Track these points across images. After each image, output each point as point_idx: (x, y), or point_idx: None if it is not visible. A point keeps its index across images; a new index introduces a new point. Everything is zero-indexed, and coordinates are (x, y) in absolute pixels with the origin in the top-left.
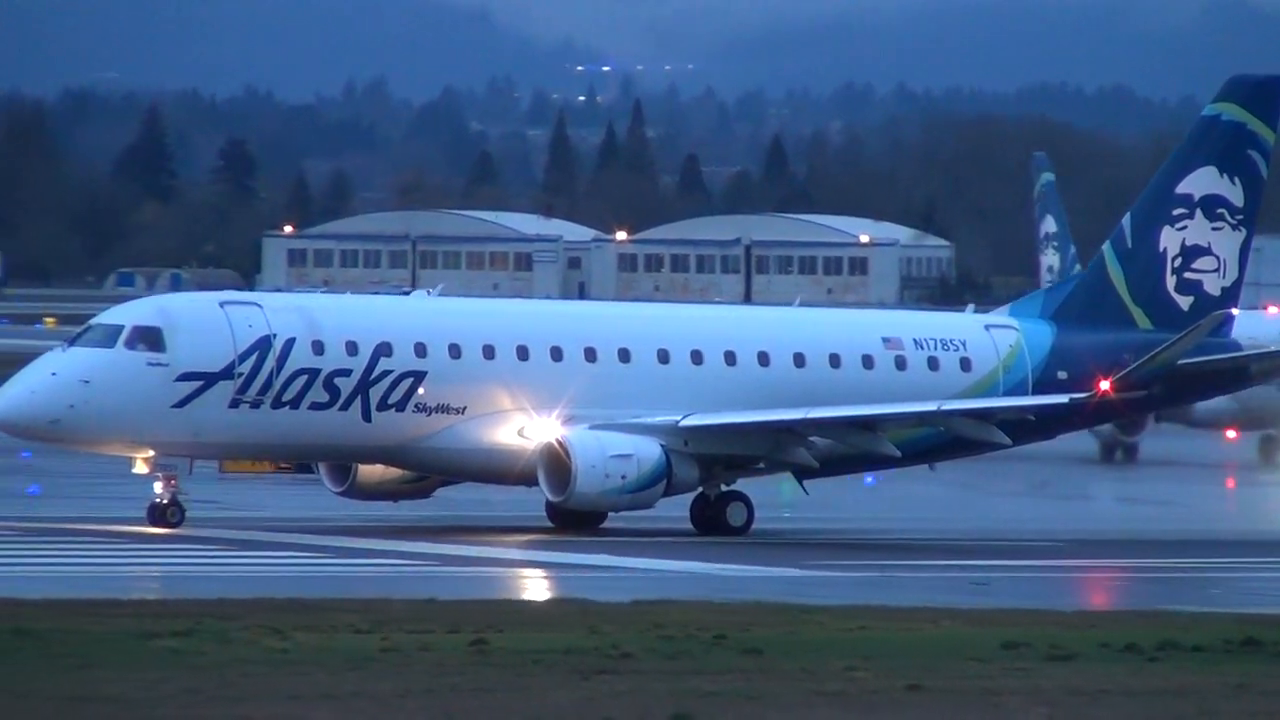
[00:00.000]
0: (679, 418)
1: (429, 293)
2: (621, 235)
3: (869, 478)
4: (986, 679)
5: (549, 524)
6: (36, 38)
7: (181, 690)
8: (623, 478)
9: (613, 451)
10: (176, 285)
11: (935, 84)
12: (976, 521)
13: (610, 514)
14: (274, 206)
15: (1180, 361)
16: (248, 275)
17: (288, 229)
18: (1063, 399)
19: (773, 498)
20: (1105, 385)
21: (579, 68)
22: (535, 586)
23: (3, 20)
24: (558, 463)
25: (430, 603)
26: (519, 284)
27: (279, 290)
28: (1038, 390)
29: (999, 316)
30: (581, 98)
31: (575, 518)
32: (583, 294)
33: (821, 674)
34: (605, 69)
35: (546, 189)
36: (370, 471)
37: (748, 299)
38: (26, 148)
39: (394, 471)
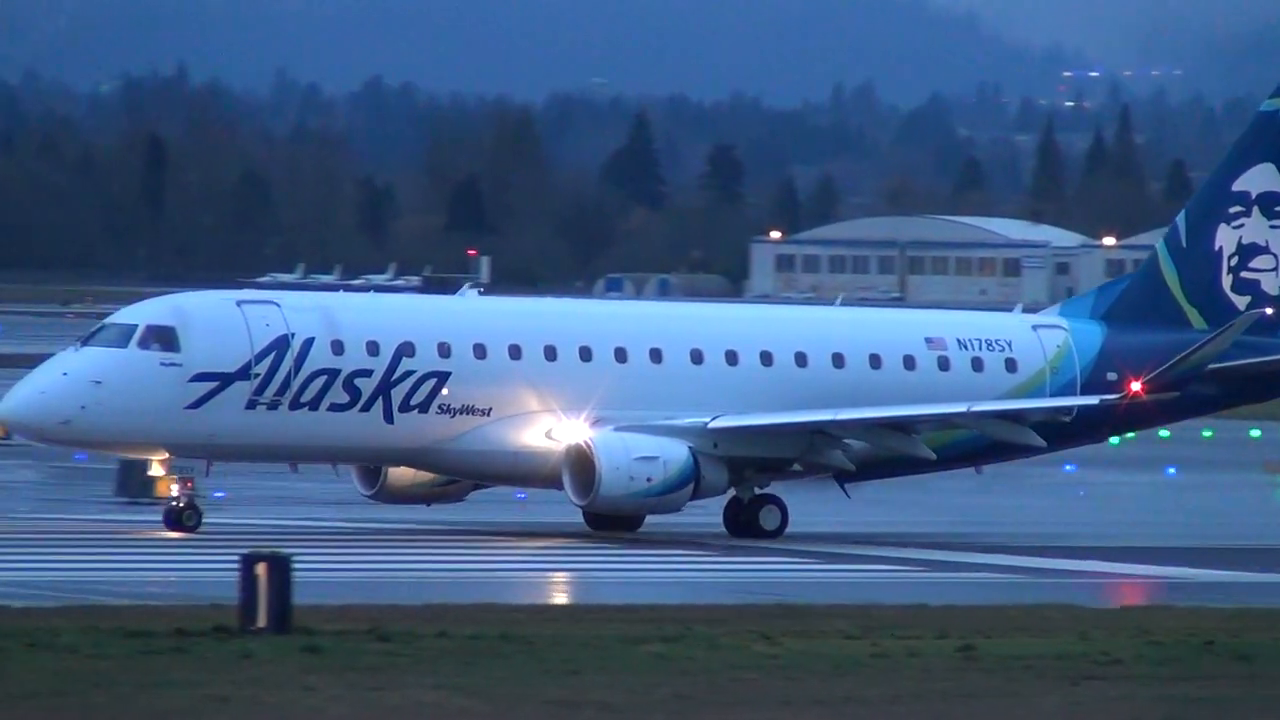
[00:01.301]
0: (707, 419)
1: (479, 292)
2: (1109, 240)
3: None
4: None
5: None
6: (526, 44)
7: (671, 696)
8: (648, 480)
9: (638, 454)
10: (664, 290)
11: None
12: None
13: (646, 517)
14: (761, 212)
15: (1237, 363)
16: (735, 281)
17: (775, 234)
18: (1093, 400)
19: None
20: (1136, 386)
21: (1066, 74)
22: (1024, 592)
23: (485, 28)
24: (583, 465)
25: (919, 608)
26: (1006, 289)
27: (764, 297)
28: (1086, 392)
29: (1047, 316)
30: (1069, 103)
31: (610, 521)
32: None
33: None
34: (1093, 74)
35: (1034, 195)
36: (400, 474)
37: None
38: (515, 154)
39: (424, 474)
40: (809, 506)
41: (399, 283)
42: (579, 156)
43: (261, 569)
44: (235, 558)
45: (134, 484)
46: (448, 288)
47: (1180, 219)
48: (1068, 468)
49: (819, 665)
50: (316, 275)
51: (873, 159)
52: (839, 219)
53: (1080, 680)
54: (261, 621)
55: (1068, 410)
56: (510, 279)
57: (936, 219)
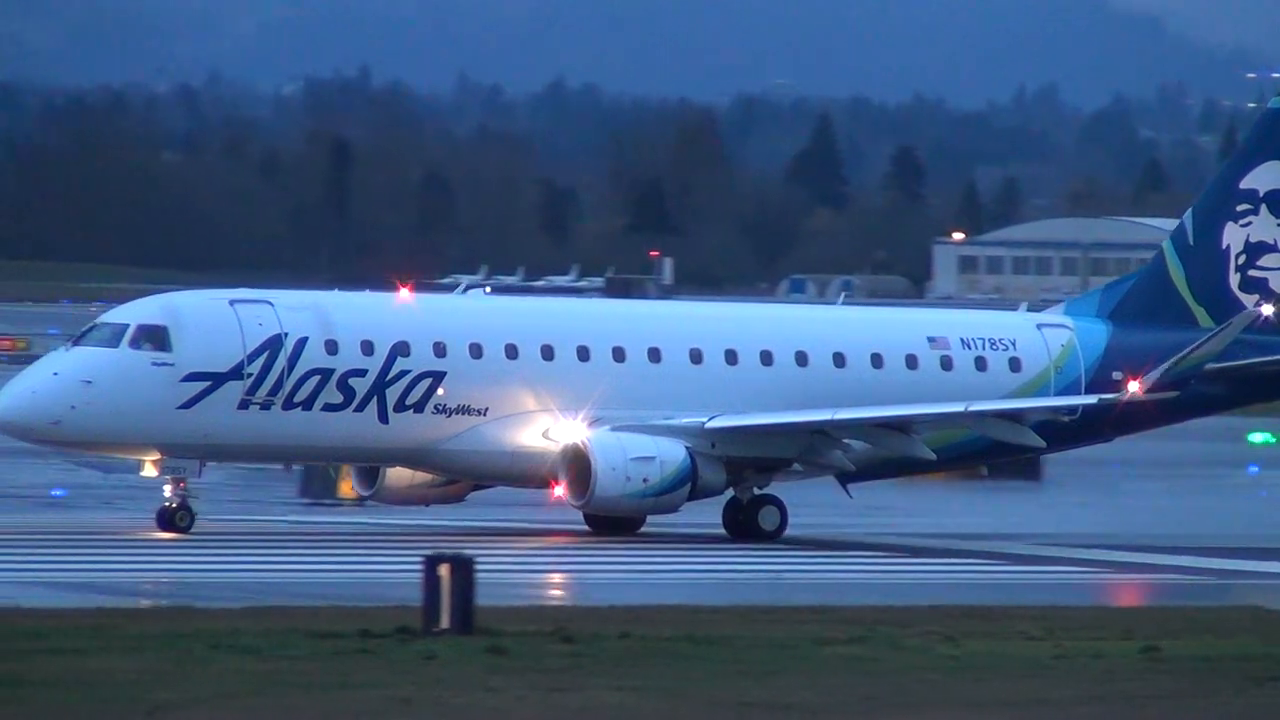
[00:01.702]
0: (705, 419)
1: (486, 291)
2: None
3: None
4: None
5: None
6: (709, 46)
7: (858, 697)
8: (644, 480)
9: (634, 454)
10: (847, 291)
11: None
12: None
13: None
14: (944, 213)
15: (1243, 362)
16: (918, 282)
17: (958, 236)
18: (1091, 399)
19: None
20: (1134, 386)
21: (1250, 75)
22: (1209, 594)
23: (668, 29)
24: (579, 465)
25: (1103, 609)
26: None
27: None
28: (1092, 391)
29: (1052, 315)
30: (1252, 104)
31: (610, 522)
32: None
33: None
34: (1276, 75)
35: None
36: (398, 475)
37: None
38: (697, 155)
39: (422, 475)
40: (992, 505)
41: (581, 284)
42: (762, 158)
43: (445, 570)
44: (418, 559)
45: (316, 485)
46: (631, 290)
47: (1187, 217)
48: (1252, 469)
49: (1003, 666)
50: (499, 276)
51: (1055, 160)
52: (1021, 220)
53: (1265, 682)
54: (445, 623)
55: (1072, 410)
56: (693, 281)
57: (1119, 220)
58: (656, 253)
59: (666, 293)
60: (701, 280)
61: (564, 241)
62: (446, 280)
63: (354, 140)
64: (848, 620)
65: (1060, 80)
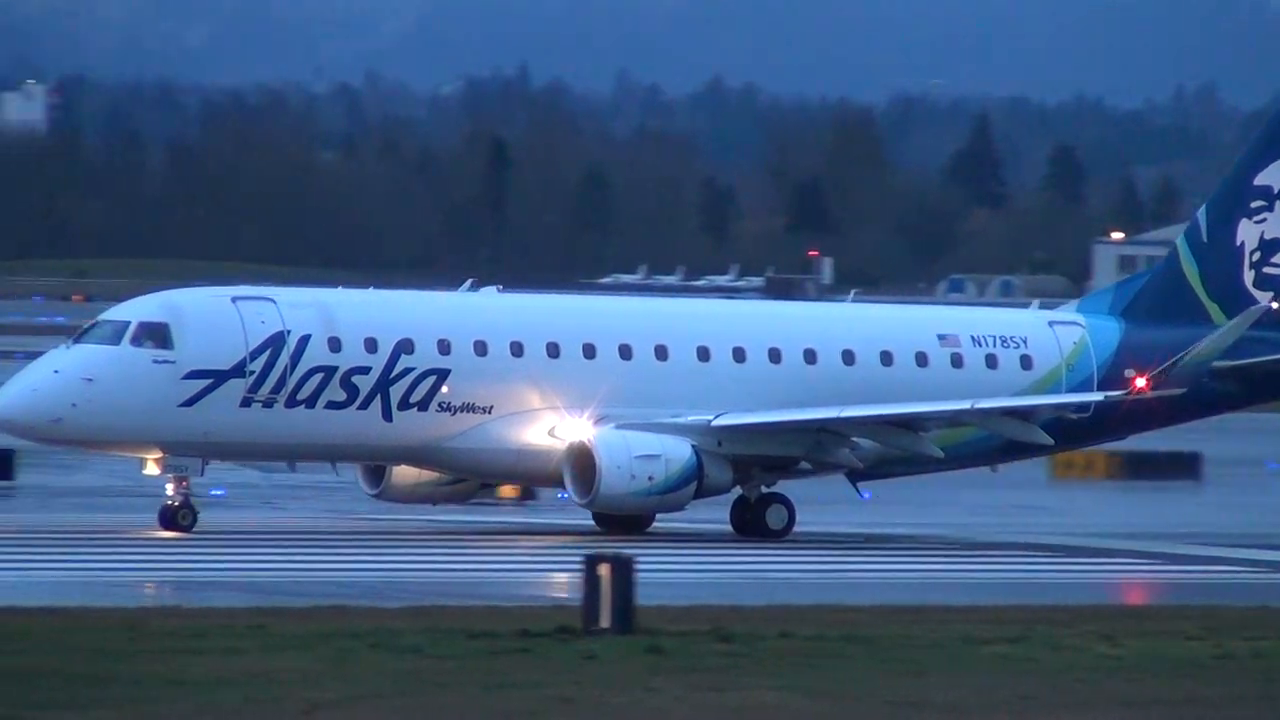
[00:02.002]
0: (711, 417)
1: (498, 289)
2: None
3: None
4: None
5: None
6: (867, 45)
7: (1014, 697)
8: (650, 479)
9: (639, 452)
10: (1007, 291)
11: None
12: None
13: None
14: (1103, 213)
15: (1256, 360)
16: (1077, 281)
17: (1117, 235)
18: (1096, 397)
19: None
20: (1141, 383)
21: None
22: None
23: (826, 28)
24: (584, 463)
25: (1264, 609)
26: None
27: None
28: (1104, 389)
29: (1064, 313)
30: None
31: (619, 521)
32: None
33: None
34: None
35: None
36: (404, 474)
37: None
38: (856, 154)
39: (429, 473)
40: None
41: (740, 284)
42: (920, 157)
43: (604, 570)
44: (577, 559)
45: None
46: (790, 290)
47: (1201, 213)
48: None
49: (1161, 666)
50: (659, 276)
51: (1214, 159)
52: (1180, 220)
53: None
54: (604, 622)
55: (1083, 407)
56: (851, 280)
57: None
58: (815, 252)
59: (825, 293)
60: (860, 280)
61: (723, 241)
62: (606, 280)
63: (512, 140)
64: (1001, 620)
65: (1219, 79)
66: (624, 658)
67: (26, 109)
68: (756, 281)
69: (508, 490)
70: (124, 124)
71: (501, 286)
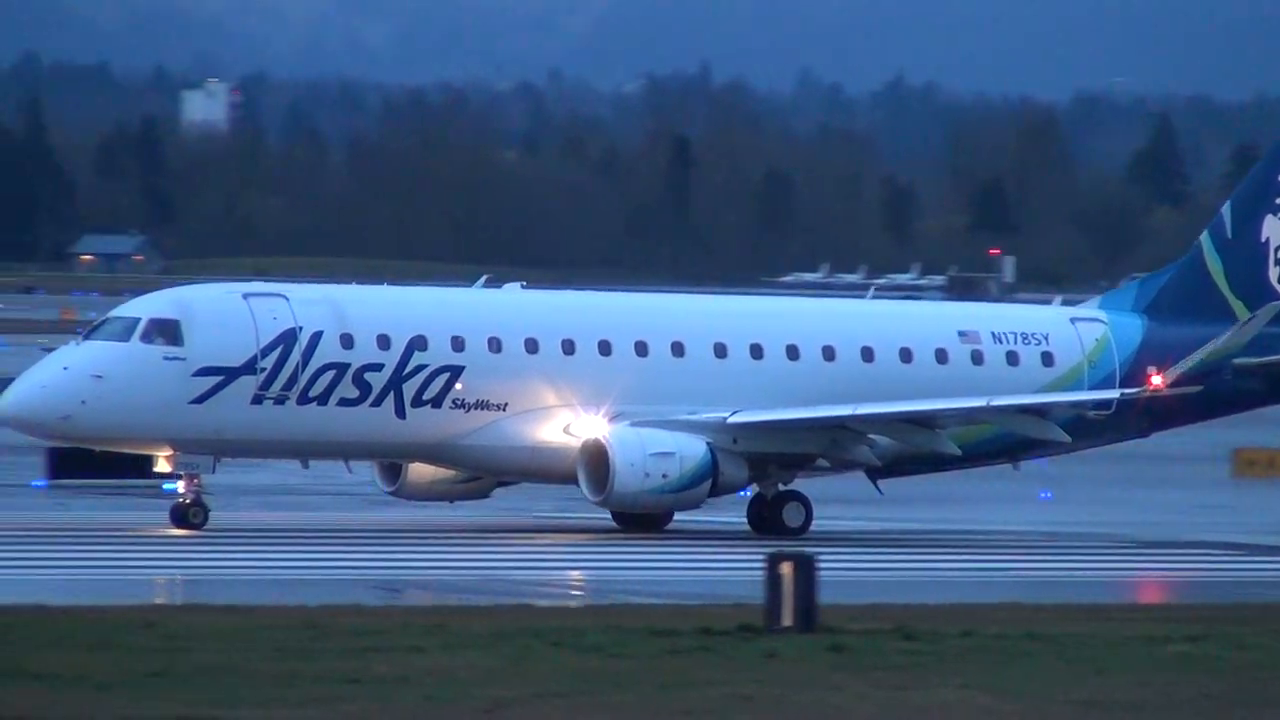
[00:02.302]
0: (726, 414)
1: (522, 286)
2: None
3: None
4: None
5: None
6: (1049, 43)
7: (1197, 695)
8: (664, 476)
9: (653, 449)
10: None
11: None
12: None
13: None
14: None
15: (1276, 358)
16: None
17: None
18: (1113, 394)
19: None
20: (1157, 380)
21: None
22: None
23: (1008, 27)
24: (597, 461)
25: None
26: None
27: None
28: (1127, 386)
29: (1086, 309)
30: None
31: (636, 519)
32: None
33: None
34: None
35: None
36: (420, 471)
37: None
38: (1038, 153)
39: (445, 471)
40: None
41: (922, 282)
42: (1101, 156)
43: (786, 568)
44: (759, 557)
45: None
46: (972, 288)
47: (1225, 210)
48: None
49: None
50: (840, 275)
51: None
52: None
53: None
54: (786, 620)
55: (1105, 404)
56: (1034, 279)
57: None
58: (997, 251)
59: (1007, 291)
60: (1042, 279)
61: (905, 240)
62: (787, 279)
63: (693, 138)
64: (1183, 618)
65: None
66: (806, 656)
67: (208, 108)
68: (939, 280)
69: None
70: (305, 123)
71: (525, 284)
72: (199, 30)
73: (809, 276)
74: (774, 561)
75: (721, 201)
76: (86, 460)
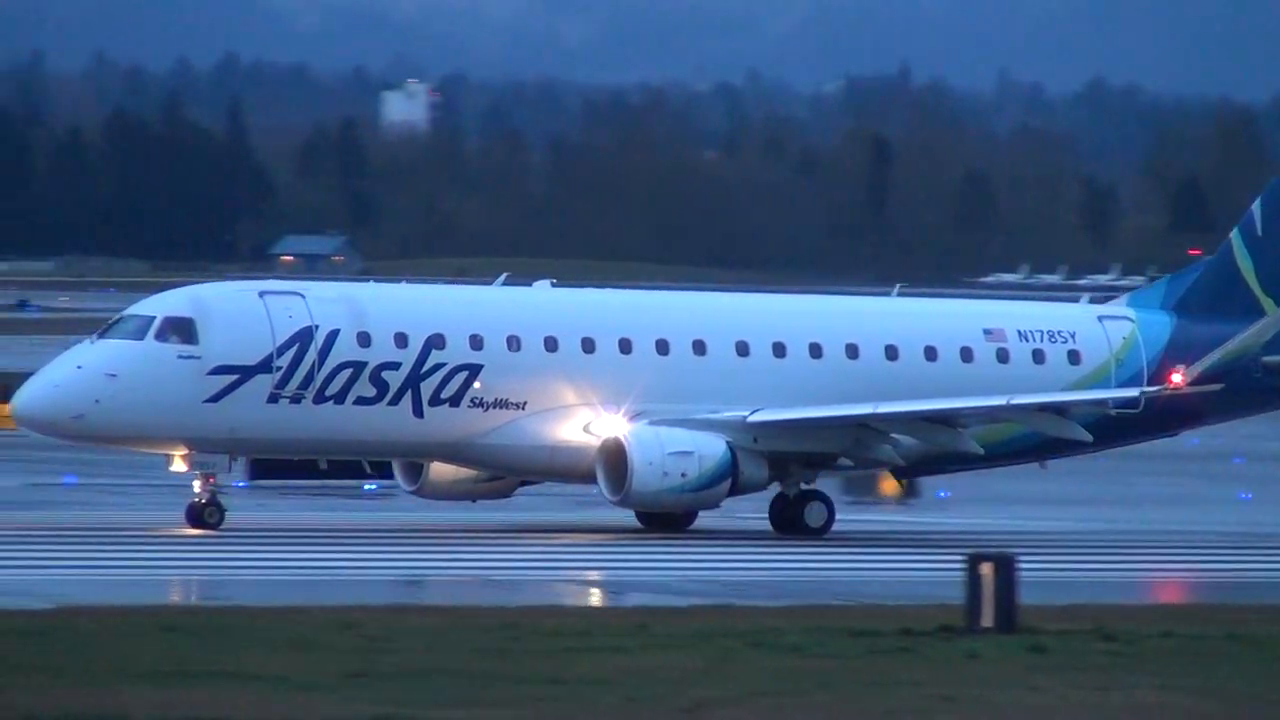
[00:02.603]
0: (747, 413)
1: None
2: None
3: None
4: None
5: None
6: (1250, 43)
7: None
8: (683, 475)
9: (672, 448)
10: None
11: None
12: None
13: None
14: None
15: None
16: None
17: None
18: (1132, 392)
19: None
20: (1177, 378)
21: None
22: None
23: (1209, 27)
24: (616, 460)
25: None
26: None
27: None
28: (1154, 384)
29: (1114, 307)
30: None
31: (659, 519)
32: None
33: None
34: None
35: None
36: (442, 471)
37: None
38: (1237, 153)
39: (466, 470)
40: None
41: (1122, 283)
42: None
43: (987, 569)
44: (958, 559)
45: (857, 485)
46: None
47: (1256, 206)
48: None
49: None
50: (1040, 275)
51: None
52: None
53: None
54: (987, 621)
55: (1132, 402)
56: None
57: None
58: (1198, 251)
59: None
60: None
61: (1105, 240)
62: (988, 279)
63: (893, 139)
64: None
65: None
66: (1006, 656)
67: (408, 108)
68: (1138, 281)
69: (889, 487)
70: (505, 123)
71: (554, 281)
72: (397, 31)
73: (1009, 277)
74: (974, 562)
75: (921, 202)
76: (285, 461)
